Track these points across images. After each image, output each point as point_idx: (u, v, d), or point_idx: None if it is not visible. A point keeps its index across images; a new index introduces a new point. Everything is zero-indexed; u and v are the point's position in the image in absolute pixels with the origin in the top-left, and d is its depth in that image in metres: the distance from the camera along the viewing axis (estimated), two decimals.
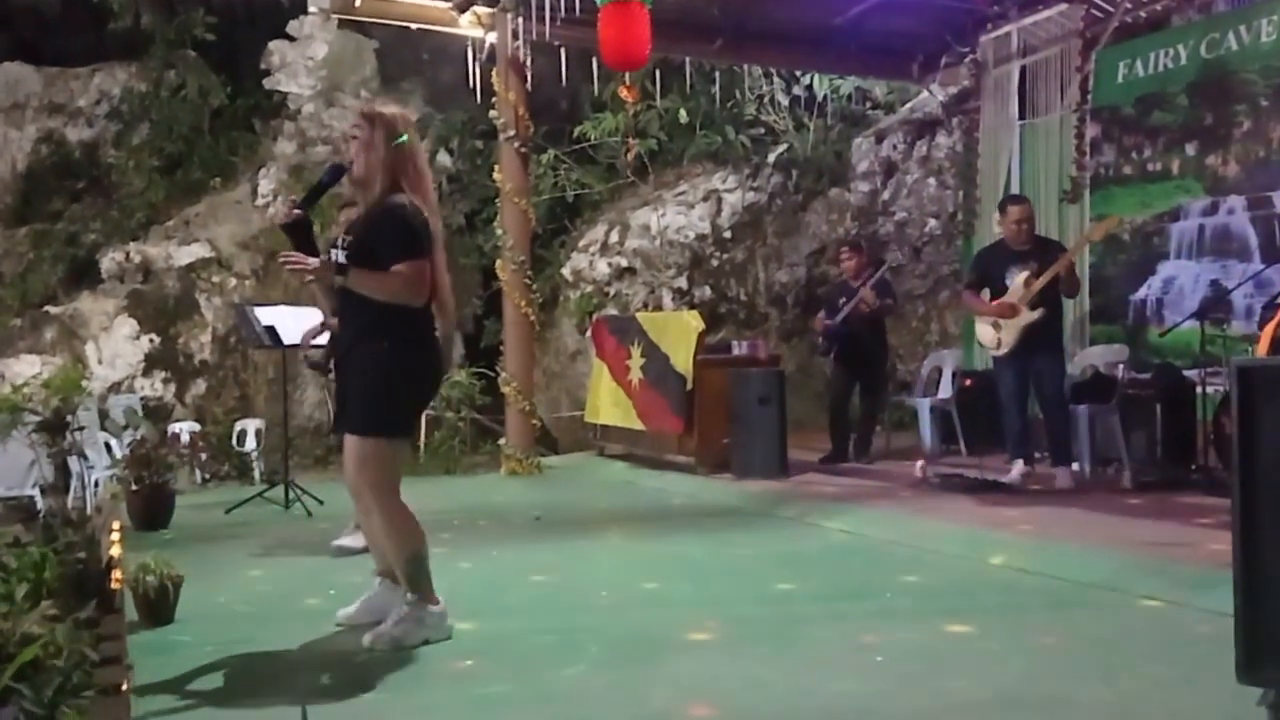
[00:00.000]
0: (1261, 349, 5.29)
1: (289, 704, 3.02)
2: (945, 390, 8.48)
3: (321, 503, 6.66)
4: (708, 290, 11.88)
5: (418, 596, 3.61)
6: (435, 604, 3.65)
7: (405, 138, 3.57)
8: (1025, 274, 6.44)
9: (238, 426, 9.53)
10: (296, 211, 3.61)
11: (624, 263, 11.95)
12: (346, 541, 5.33)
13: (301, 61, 12.51)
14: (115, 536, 4.95)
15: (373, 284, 3.49)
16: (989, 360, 9.11)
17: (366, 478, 3.55)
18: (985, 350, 7.01)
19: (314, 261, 3.53)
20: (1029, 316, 6.43)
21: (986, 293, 6.65)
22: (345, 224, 3.83)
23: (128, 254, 11.26)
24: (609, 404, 9.06)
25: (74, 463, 6.12)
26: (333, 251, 3.56)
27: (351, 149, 3.59)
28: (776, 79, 12.23)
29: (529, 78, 9.00)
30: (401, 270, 3.46)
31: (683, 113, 11.93)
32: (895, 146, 11.77)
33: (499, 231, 9.29)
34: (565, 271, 12.18)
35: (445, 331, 3.73)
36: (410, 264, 3.46)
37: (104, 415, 8.85)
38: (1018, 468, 6.60)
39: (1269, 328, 5.31)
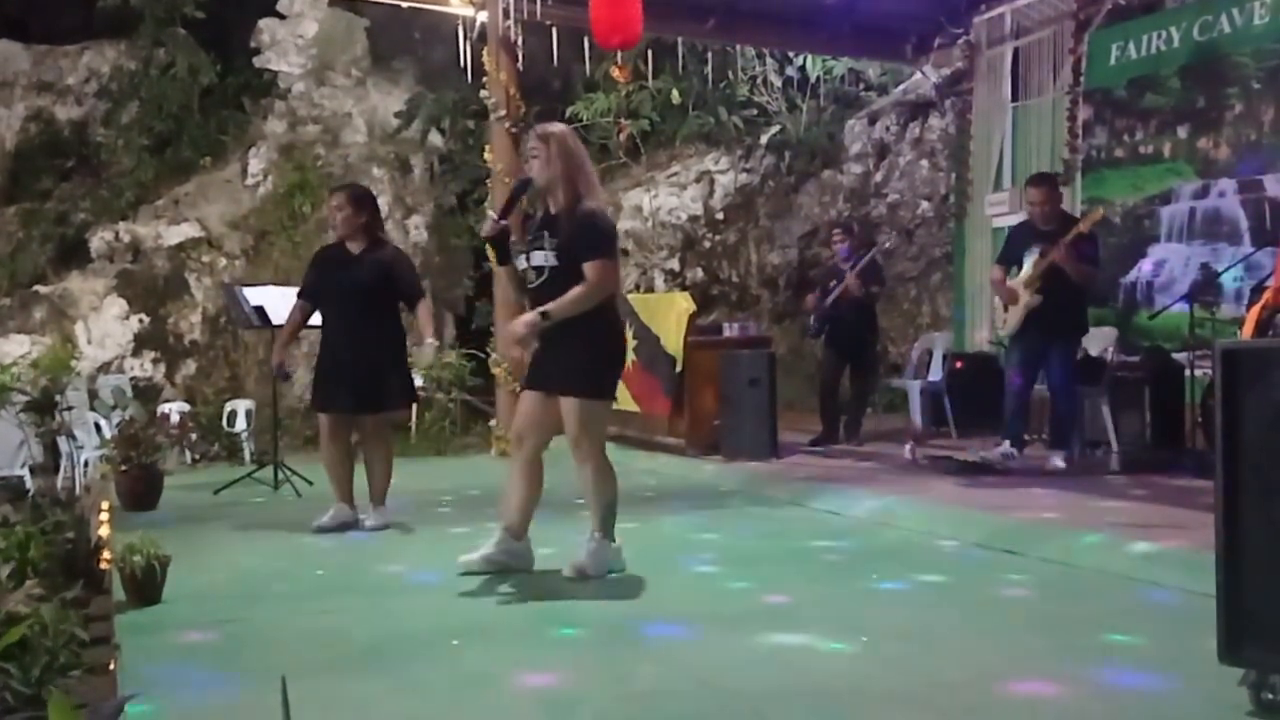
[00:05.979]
0: (1246, 331, 5.31)
1: (276, 683, 3.02)
2: (936, 372, 8.50)
3: (311, 483, 6.65)
4: (699, 272, 11.87)
5: (604, 535, 4.32)
6: (614, 541, 4.38)
7: None
8: (1036, 256, 6.41)
9: (227, 407, 9.48)
10: (503, 224, 4.19)
11: None
12: (325, 520, 5.50)
13: (292, 40, 12.40)
14: (104, 517, 4.95)
15: (573, 306, 4.11)
16: (980, 343, 9.18)
17: (592, 434, 4.22)
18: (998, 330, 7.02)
19: (526, 325, 4.19)
20: (1029, 302, 6.41)
21: (1014, 270, 6.62)
22: (525, 224, 4.66)
23: (117, 233, 11.19)
24: None
25: (63, 443, 6.09)
26: (534, 254, 4.19)
27: (534, 167, 4.21)
28: (769, 60, 12.18)
29: (520, 57, 8.94)
30: (594, 269, 4.11)
31: (675, 93, 11.87)
32: (888, 128, 11.75)
33: (490, 212, 9.24)
34: None
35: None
36: (601, 263, 4.14)
37: (93, 395, 8.82)
38: (1002, 448, 6.62)
39: (1254, 310, 5.33)
